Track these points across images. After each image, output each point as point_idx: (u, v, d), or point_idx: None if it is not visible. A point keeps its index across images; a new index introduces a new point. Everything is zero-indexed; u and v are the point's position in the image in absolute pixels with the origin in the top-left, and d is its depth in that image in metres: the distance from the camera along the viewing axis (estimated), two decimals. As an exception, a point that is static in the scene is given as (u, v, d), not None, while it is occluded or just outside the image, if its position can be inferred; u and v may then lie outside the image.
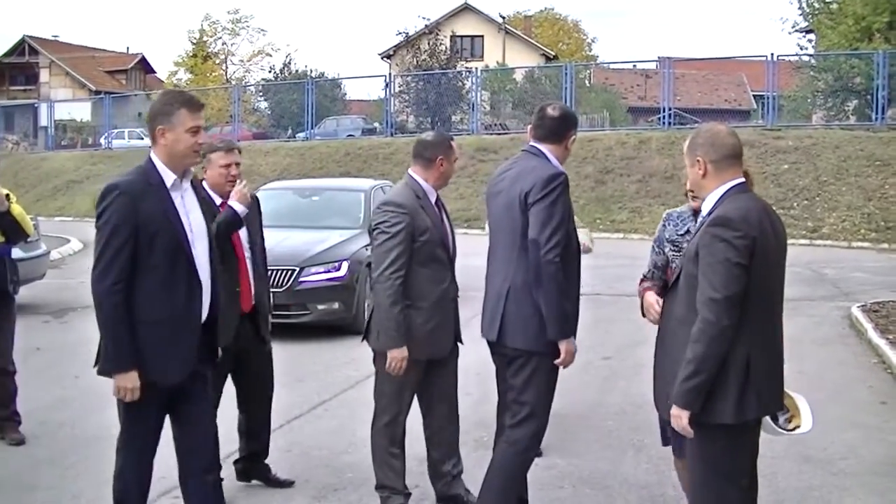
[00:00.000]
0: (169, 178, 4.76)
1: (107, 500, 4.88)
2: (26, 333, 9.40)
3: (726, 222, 4.20)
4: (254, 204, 6.54)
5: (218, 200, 6.37)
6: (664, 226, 5.37)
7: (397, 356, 5.68)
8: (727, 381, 4.22)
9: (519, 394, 5.48)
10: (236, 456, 6.68)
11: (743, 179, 4.45)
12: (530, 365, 5.43)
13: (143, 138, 47.42)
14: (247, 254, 6.42)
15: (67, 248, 23.17)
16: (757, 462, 4.49)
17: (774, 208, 18.06)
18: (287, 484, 6.63)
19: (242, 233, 6.39)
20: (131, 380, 4.62)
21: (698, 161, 4.40)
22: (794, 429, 4.69)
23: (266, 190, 14.44)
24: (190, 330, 4.79)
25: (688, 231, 5.18)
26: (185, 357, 4.77)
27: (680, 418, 4.25)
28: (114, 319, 4.59)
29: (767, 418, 4.49)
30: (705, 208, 4.46)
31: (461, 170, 27.44)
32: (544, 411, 5.55)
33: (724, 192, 4.38)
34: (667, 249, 5.33)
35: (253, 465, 6.69)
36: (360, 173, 29.83)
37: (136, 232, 4.60)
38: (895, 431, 8.27)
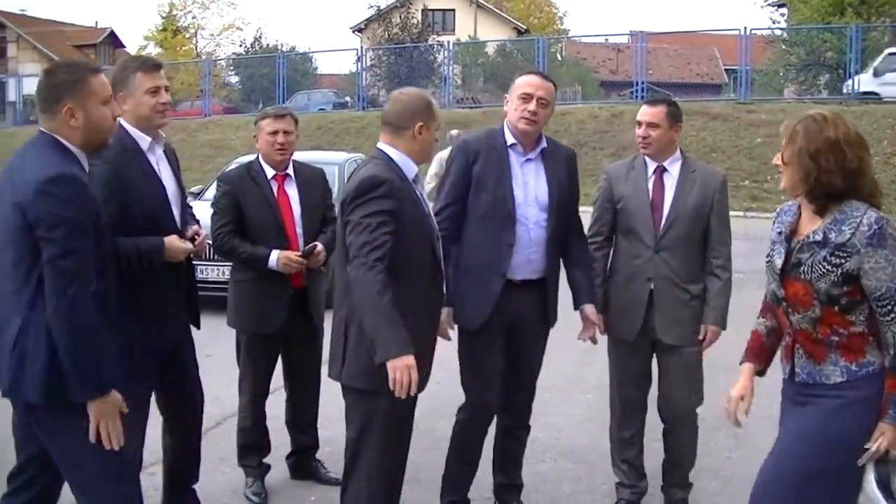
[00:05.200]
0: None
1: None
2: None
3: None
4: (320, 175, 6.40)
5: (270, 173, 6.09)
6: (775, 223, 4.12)
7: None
8: None
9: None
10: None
11: None
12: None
13: (112, 112, 47.03)
14: (298, 229, 6.08)
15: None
16: None
17: (748, 182, 18.12)
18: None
19: (296, 207, 6.09)
20: None
21: None
22: None
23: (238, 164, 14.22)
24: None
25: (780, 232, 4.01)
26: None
27: None
28: None
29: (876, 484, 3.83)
30: None
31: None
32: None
33: None
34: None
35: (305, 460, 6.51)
36: (332, 147, 29.62)
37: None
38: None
